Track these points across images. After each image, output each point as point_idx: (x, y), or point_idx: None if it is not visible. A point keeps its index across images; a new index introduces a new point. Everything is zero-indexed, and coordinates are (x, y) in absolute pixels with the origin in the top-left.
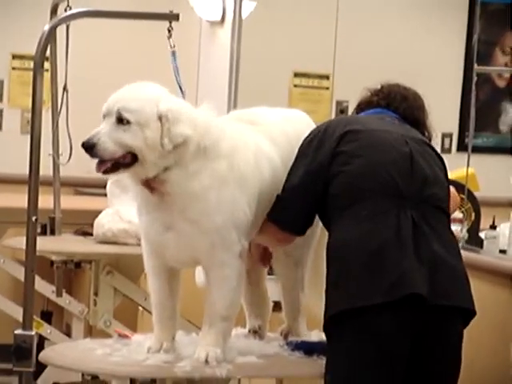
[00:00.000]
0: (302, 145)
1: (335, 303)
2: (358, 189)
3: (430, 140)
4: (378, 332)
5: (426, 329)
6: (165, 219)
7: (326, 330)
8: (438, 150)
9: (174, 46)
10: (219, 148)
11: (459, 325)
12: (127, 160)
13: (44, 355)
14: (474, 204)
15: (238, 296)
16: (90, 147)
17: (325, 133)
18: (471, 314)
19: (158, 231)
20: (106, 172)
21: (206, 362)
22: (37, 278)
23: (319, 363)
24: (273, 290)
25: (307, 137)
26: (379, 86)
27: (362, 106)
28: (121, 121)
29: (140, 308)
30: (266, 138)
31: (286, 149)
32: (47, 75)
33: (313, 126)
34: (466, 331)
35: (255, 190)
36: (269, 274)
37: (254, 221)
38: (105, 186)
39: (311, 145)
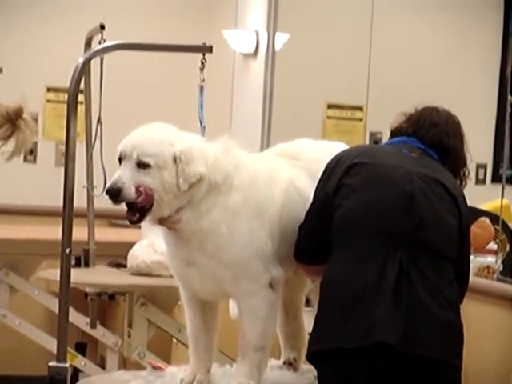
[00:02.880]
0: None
1: (314, 341)
2: (350, 225)
3: (463, 165)
4: (354, 375)
5: (402, 378)
6: (185, 255)
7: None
8: (473, 180)
9: (203, 81)
10: (232, 181)
11: (440, 377)
12: (150, 203)
13: None
14: (509, 235)
15: (269, 326)
16: (115, 193)
17: (337, 163)
18: (456, 367)
19: (180, 266)
20: (138, 221)
21: None
22: (71, 310)
23: None
24: (309, 321)
25: (325, 166)
26: (413, 110)
27: (393, 133)
28: (140, 165)
29: (174, 340)
30: (306, 175)
31: None
32: (81, 108)
33: None
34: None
35: (276, 223)
36: (306, 305)
37: (286, 252)
38: None
39: (323, 175)
